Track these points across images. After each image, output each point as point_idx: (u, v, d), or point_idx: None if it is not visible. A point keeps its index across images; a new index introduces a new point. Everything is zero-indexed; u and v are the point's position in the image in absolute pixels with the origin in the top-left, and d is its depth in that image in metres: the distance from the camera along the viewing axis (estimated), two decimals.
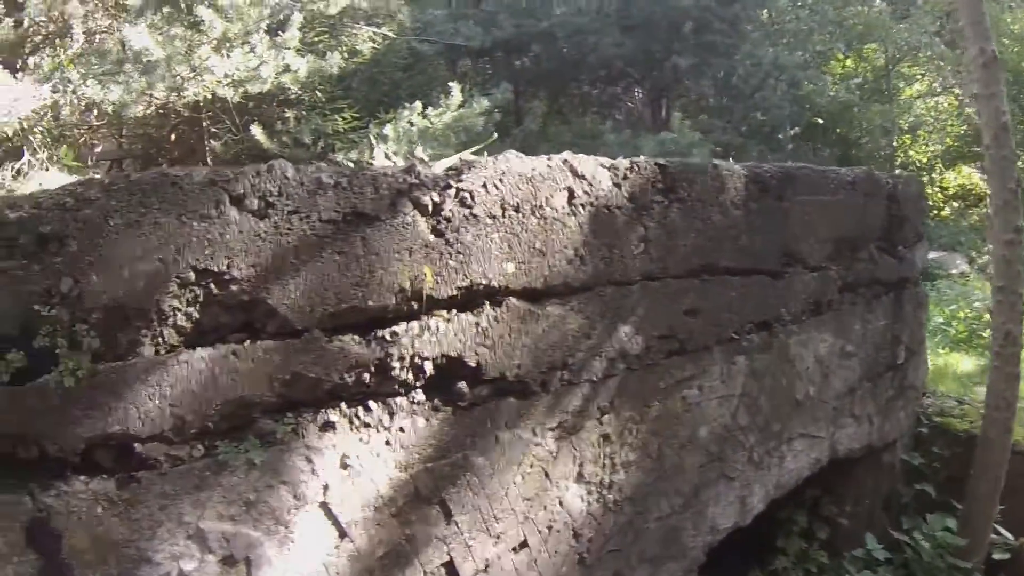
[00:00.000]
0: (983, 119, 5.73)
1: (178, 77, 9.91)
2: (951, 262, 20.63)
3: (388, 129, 12.99)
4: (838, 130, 25.86)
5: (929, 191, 28.49)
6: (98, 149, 12.04)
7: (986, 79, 5.59)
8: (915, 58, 27.30)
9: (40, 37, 11.31)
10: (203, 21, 9.82)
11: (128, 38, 9.35)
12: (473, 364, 3.22)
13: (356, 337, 2.92)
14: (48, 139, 12.20)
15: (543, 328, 3.41)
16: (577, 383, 3.60)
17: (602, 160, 3.63)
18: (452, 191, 3.05)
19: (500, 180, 3.18)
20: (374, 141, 12.83)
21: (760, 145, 22.47)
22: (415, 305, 3.03)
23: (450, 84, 13.76)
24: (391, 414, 3.04)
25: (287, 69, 11.01)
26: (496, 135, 16.77)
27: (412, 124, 13.13)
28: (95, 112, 11.07)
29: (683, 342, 4.05)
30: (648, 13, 19.83)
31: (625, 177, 3.64)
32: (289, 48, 10.79)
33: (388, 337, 2.97)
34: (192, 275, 2.56)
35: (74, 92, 9.56)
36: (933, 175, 28.63)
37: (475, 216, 3.12)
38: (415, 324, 3.04)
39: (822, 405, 5.15)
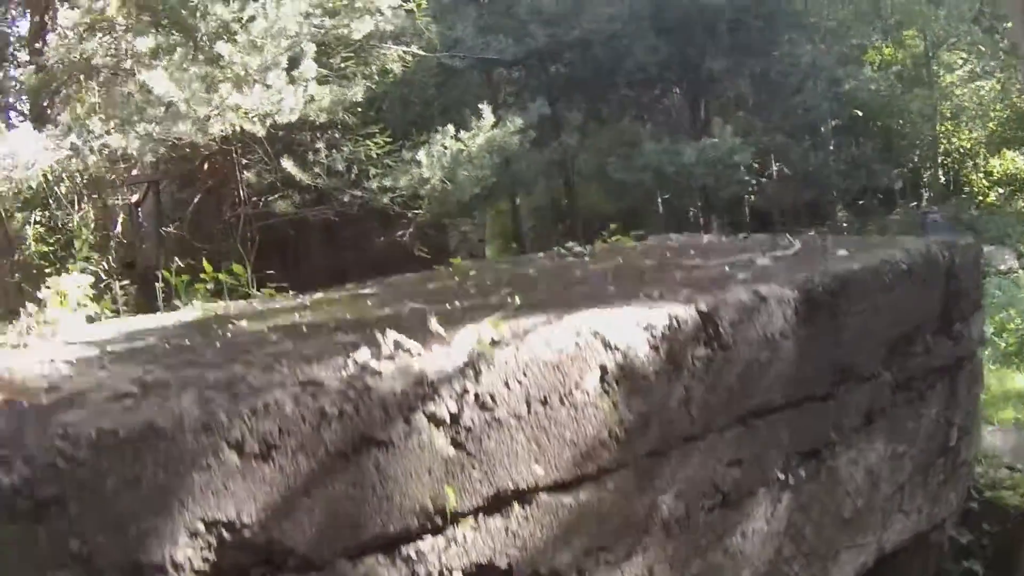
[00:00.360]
0: None
1: (201, 117, 9.79)
2: (998, 257, 20.23)
3: (421, 154, 12.89)
4: (879, 122, 25.47)
5: (973, 177, 28.16)
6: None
7: None
8: (955, 45, 26.81)
9: (63, 79, 11.24)
10: (222, 57, 9.68)
11: (148, 82, 9.22)
12: (504, 567, 2.97)
13: (381, 557, 2.70)
14: (75, 187, 12.20)
15: (576, 516, 3.15)
16: (614, 562, 3.33)
17: (638, 318, 3.32)
18: (471, 396, 2.79)
19: (524, 373, 2.90)
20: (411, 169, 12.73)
21: (801, 145, 22.18)
22: (439, 520, 2.79)
23: (481, 106, 13.64)
24: None
25: (311, 100, 10.89)
26: (530, 150, 16.73)
27: (446, 148, 13.02)
28: (120, 159, 11.07)
29: (726, 495, 3.76)
30: (682, 15, 19.51)
31: (664, 337, 3.33)
32: (308, 80, 10.66)
33: (414, 555, 2.74)
34: (201, 526, 2.38)
35: (90, 147, 9.47)
36: (977, 161, 28.26)
37: (498, 420, 2.85)
38: (440, 539, 2.81)
39: (870, 513, 4.84)
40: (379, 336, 3.00)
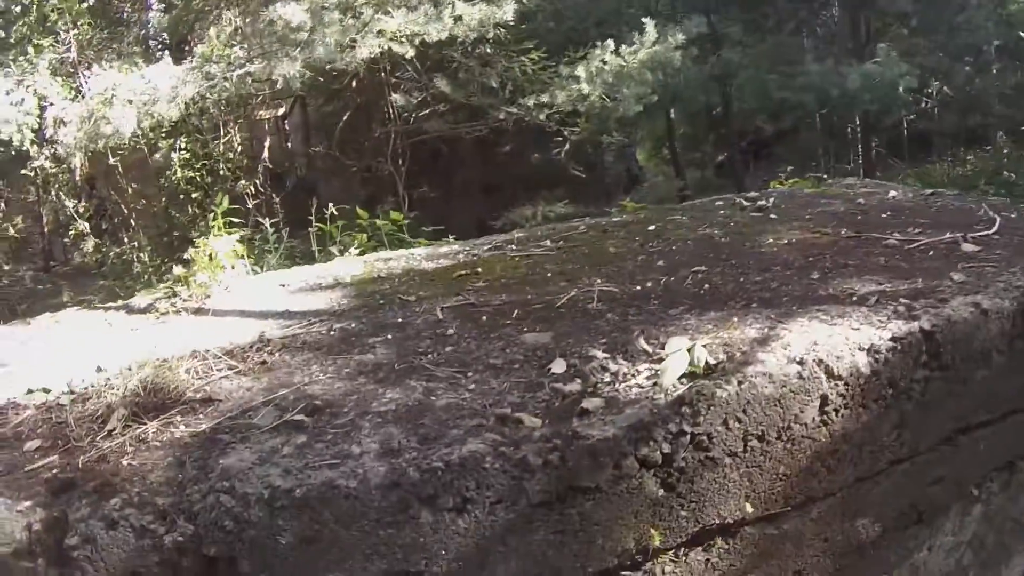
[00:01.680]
0: None
1: (344, 43, 9.56)
2: None
3: (580, 70, 12.47)
4: None
5: None
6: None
7: None
8: None
9: (200, 9, 11.13)
10: None
11: (284, 15, 9.02)
12: None
13: None
14: (220, 113, 12.22)
15: (777, 545, 2.95)
16: None
17: (861, 339, 3.03)
18: (686, 438, 2.56)
19: (744, 411, 2.66)
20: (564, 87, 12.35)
21: (964, 67, 21.05)
22: (639, 558, 2.63)
23: (644, 20, 13.08)
24: None
25: (459, 19, 10.52)
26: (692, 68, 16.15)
27: (605, 63, 12.55)
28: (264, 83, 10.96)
29: (922, 513, 3.52)
30: None
31: (886, 361, 3.03)
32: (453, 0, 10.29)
33: None
34: None
35: (228, 76, 9.34)
36: None
37: (712, 459, 2.63)
38: (638, 574, 2.64)
39: None
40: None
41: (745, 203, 5.47)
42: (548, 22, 15.73)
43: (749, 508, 2.75)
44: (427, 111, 13.58)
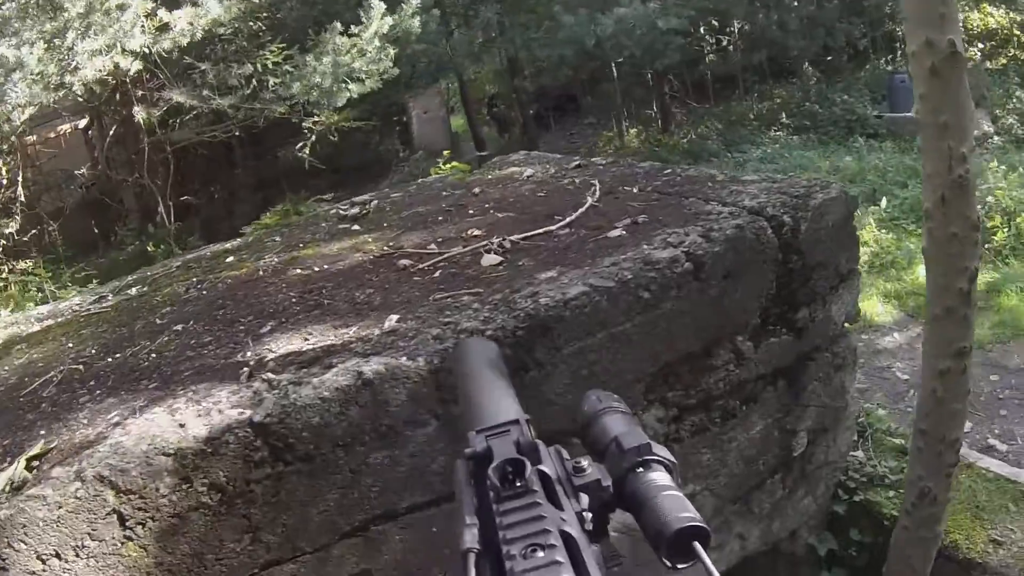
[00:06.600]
0: None
1: (56, 73, 9.35)
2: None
3: (310, 57, 12.20)
4: None
5: None
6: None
7: None
8: None
9: None
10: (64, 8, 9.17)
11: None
12: None
13: None
14: None
15: None
16: None
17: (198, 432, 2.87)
18: None
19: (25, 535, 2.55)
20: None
21: (753, 5, 21.30)
22: None
23: None
24: None
25: (164, 28, 10.31)
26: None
27: (339, 46, 12.26)
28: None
29: None
30: None
31: (185, 464, 2.77)
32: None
33: None
34: None
35: None
36: None
37: None
38: None
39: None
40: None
41: (343, 212, 5.30)
42: (296, 10, 15.49)
43: None
44: (178, 120, 13.31)
